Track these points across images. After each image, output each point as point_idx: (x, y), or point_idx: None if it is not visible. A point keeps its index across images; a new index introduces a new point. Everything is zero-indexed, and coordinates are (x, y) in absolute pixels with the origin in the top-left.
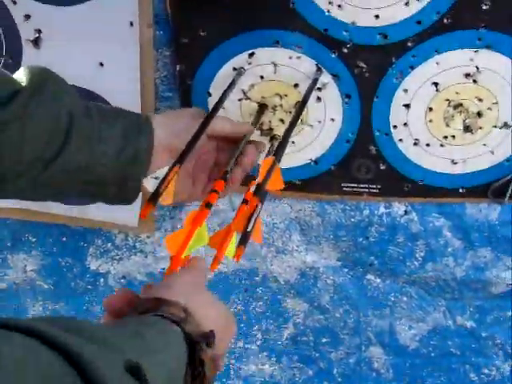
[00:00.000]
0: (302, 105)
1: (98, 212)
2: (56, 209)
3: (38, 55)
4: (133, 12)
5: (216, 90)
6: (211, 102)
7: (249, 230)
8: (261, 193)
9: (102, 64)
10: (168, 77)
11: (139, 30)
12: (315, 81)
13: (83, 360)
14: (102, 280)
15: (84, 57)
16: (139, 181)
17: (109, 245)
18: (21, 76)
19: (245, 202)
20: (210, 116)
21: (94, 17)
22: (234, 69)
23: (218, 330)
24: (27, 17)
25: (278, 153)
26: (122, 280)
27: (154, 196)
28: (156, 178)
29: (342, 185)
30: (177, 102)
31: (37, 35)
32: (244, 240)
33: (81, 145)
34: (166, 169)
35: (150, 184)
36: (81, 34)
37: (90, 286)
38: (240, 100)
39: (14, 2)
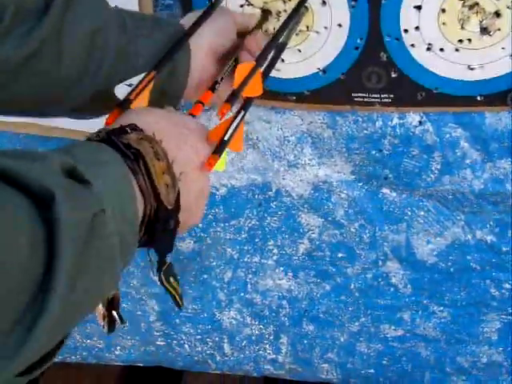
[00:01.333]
0: (296, 7)
1: None
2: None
3: None
4: None
5: None
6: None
7: (226, 138)
8: (234, 98)
9: None
10: None
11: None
12: None
13: (18, 172)
14: None
15: None
16: (178, 98)
17: None
18: None
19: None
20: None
21: None
22: None
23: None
24: None
25: (261, 57)
26: None
27: (124, 101)
28: (129, 85)
29: (353, 95)
30: (178, 10)
31: None
32: (219, 149)
33: (117, 60)
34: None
35: (122, 91)
36: None
37: None
38: (242, 6)
39: None
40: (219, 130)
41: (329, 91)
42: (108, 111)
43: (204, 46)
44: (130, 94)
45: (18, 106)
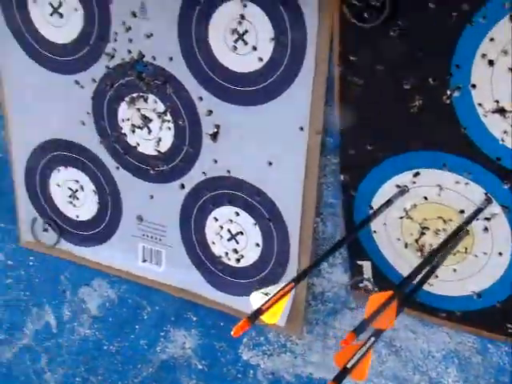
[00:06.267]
0: (456, 231)
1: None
2: (213, 294)
3: (214, 147)
4: (304, 117)
5: (378, 204)
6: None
7: (348, 366)
8: (361, 329)
9: (270, 163)
10: (334, 184)
11: (308, 135)
12: (479, 210)
13: None
14: (251, 372)
15: (255, 154)
16: None
17: (261, 338)
18: None
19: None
20: None
21: (267, 118)
22: (398, 186)
23: None
24: (210, 112)
25: (403, 284)
26: (270, 376)
27: (256, 313)
28: (266, 294)
29: (508, 325)
30: (338, 209)
31: (215, 130)
32: (340, 377)
33: None
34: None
35: (257, 298)
36: (254, 133)
37: (239, 375)
38: (401, 218)
39: (201, 99)
40: (345, 354)
41: (482, 316)
42: None
43: None
44: (263, 304)
45: None
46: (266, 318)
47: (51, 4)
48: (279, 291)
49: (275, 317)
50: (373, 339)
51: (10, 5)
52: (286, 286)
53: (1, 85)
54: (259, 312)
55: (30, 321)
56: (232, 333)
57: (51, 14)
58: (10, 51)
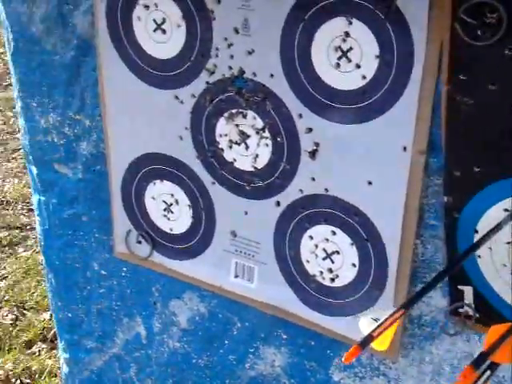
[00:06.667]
0: None
1: (341, 325)
2: (305, 312)
3: (312, 165)
4: (408, 137)
5: (483, 228)
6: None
7: None
8: (480, 363)
9: (370, 183)
10: (435, 205)
11: (411, 156)
12: None
13: None
14: None
15: (354, 173)
16: None
17: (353, 360)
18: None
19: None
20: None
21: (368, 137)
22: (505, 210)
23: None
24: (309, 130)
25: None
26: None
27: (367, 339)
28: (375, 320)
29: None
30: (441, 232)
31: (314, 147)
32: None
33: None
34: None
35: (366, 324)
36: (354, 152)
37: None
38: (509, 243)
39: (300, 116)
40: None
41: None
42: None
43: None
44: (373, 330)
45: None
46: (375, 344)
47: (155, 20)
48: (389, 317)
49: (385, 343)
50: (488, 373)
51: (116, 21)
52: (396, 312)
53: (103, 98)
54: (370, 338)
55: (120, 330)
56: (343, 359)
57: (154, 30)
58: (113, 65)
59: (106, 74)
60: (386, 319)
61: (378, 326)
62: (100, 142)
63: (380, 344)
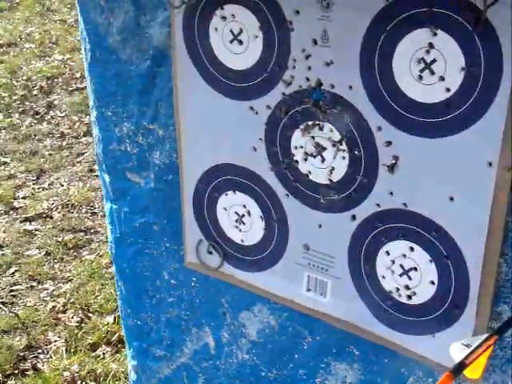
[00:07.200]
0: None
1: (418, 344)
2: (379, 329)
3: (391, 179)
4: (493, 153)
5: None
6: None
7: None
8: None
9: (451, 198)
10: None
11: (497, 171)
12: None
13: None
14: None
15: (435, 188)
16: None
17: (429, 380)
18: None
19: None
20: None
21: (451, 152)
22: None
23: None
24: (388, 143)
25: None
26: None
27: (459, 367)
28: (467, 346)
29: None
30: None
31: (393, 161)
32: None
33: None
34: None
35: (457, 350)
36: (435, 166)
37: None
38: None
39: (380, 129)
40: None
41: None
42: None
43: None
44: (466, 357)
45: None
46: (468, 372)
47: (232, 31)
48: (482, 343)
49: (477, 371)
50: None
51: (192, 31)
52: (489, 338)
53: (177, 108)
54: (463, 366)
55: (189, 340)
56: None
57: (231, 41)
58: (188, 76)
59: (180, 84)
60: (478, 345)
61: (471, 353)
62: (173, 152)
63: (472, 372)
